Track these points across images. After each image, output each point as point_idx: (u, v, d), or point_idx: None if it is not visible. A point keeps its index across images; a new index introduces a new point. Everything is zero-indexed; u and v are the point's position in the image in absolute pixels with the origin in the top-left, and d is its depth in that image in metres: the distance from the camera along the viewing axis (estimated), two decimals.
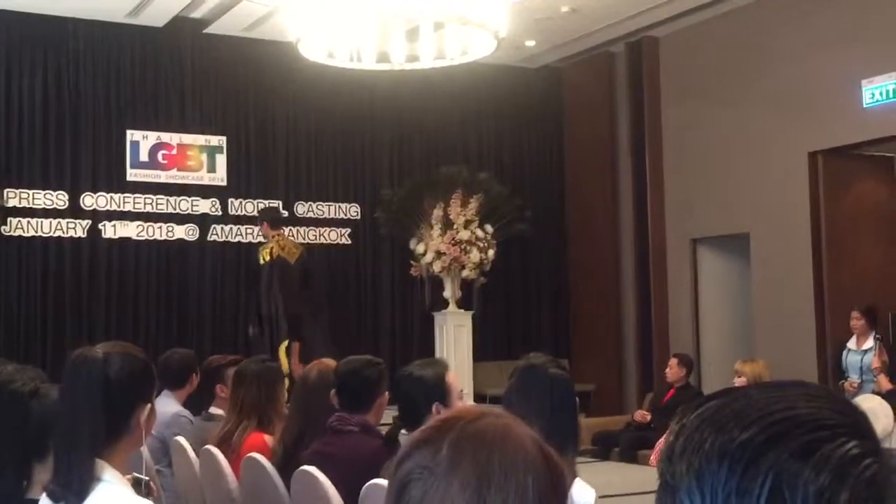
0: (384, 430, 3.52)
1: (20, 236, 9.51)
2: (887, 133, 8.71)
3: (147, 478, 2.35)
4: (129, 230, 9.90)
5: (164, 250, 10.05)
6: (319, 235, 10.73)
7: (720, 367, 9.79)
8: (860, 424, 0.81)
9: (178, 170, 10.15)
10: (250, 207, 10.27)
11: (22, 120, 9.59)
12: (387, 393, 3.61)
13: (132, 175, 9.96)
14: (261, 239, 9.65)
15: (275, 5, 8.86)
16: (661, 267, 10.76)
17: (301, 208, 10.66)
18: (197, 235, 10.17)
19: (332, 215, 10.80)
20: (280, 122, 10.58)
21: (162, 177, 10.08)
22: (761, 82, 9.70)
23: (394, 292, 10.95)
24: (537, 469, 1.05)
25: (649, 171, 10.81)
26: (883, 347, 7.86)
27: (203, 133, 10.27)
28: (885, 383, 7.61)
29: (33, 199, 9.59)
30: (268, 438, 4.08)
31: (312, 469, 3.32)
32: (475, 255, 10.04)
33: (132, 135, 9.99)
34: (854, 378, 7.93)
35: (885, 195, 9.68)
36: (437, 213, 10.14)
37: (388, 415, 3.67)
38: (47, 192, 9.63)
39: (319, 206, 10.75)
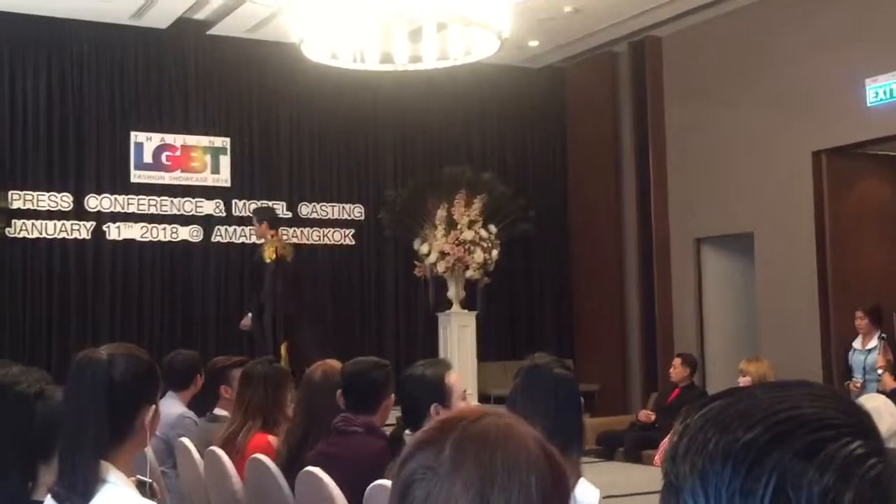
0: (389, 430, 3.53)
1: (25, 238, 9.53)
2: (891, 132, 8.70)
3: (151, 480, 2.35)
4: (134, 231, 9.92)
5: (168, 251, 10.06)
6: (323, 236, 10.74)
7: (724, 366, 9.78)
8: (864, 424, 0.81)
9: (182, 171, 10.16)
10: (254, 208, 10.28)
11: (26, 122, 9.61)
12: (393, 395, 3.61)
13: (136, 177, 9.98)
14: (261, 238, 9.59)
15: (278, 7, 8.87)
16: (664, 267, 10.75)
17: (305, 209, 10.67)
18: (201, 237, 10.18)
19: (335, 216, 10.81)
20: (284, 123, 10.59)
21: (166, 178, 10.10)
22: (765, 82, 9.69)
23: (397, 293, 10.95)
24: (540, 468, 1.05)
25: (653, 170, 10.80)
26: (887, 346, 7.85)
27: (207, 134, 10.29)
28: (889, 382, 7.58)
29: (38, 200, 9.61)
30: (272, 439, 4.08)
31: (317, 470, 3.32)
32: (479, 256, 10.03)
33: (136, 136, 10.00)
34: (857, 377, 7.93)
35: (888, 194, 9.67)
36: (441, 213, 10.14)
37: (393, 415, 3.67)
38: (52, 193, 9.65)
39: (323, 207, 10.76)
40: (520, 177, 11.46)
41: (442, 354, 9.65)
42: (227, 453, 4.07)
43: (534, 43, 10.69)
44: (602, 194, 11.32)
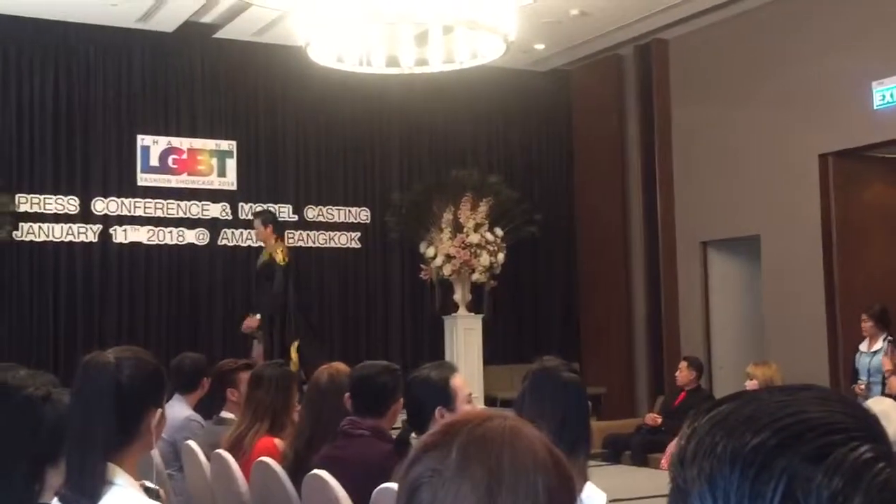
0: (395, 433, 3.52)
1: (32, 241, 9.55)
2: None
3: (157, 486, 2.35)
4: (140, 235, 9.94)
5: (174, 255, 10.08)
6: (329, 239, 10.74)
7: (731, 370, 9.77)
8: (872, 428, 0.81)
9: (189, 174, 10.18)
10: (257, 211, 10.27)
11: (33, 125, 9.63)
12: (402, 400, 3.60)
13: (143, 180, 10.00)
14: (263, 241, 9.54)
15: (284, 10, 8.88)
16: (671, 270, 10.74)
17: (311, 212, 10.68)
18: (207, 240, 10.20)
19: (341, 219, 10.82)
20: (290, 126, 10.61)
21: (172, 181, 10.11)
22: (771, 85, 9.67)
23: (404, 296, 10.96)
24: (547, 470, 1.05)
25: (659, 173, 10.79)
26: (894, 349, 7.83)
27: (213, 137, 10.31)
28: None
29: (44, 204, 9.63)
30: (278, 442, 4.08)
31: (323, 473, 3.32)
32: (485, 259, 10.03)
33: (143, 140, 10.02)
34: (863, 380, 7.92)
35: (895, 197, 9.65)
36: (447, 216, 10.15)
37: (399, 418, 3.67)
38: (58, 197, 9.67)
39: (329, 210, 10.77)
40: (526, 180, 11.46)
41: (448, 357, 9.65)
42: (234, 455, 4.07)
43: (540, 46, 10.69)
44: (608, 197, 11.31)
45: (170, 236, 10.06)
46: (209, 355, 6.31)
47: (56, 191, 9.67)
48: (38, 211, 9.60)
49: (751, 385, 6.95)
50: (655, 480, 4.87)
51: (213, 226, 10.24)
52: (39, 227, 9.59)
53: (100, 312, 9.72)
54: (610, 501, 2.58)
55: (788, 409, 0.80)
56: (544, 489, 1.03)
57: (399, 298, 10.96)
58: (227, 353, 7.45)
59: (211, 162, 10.31)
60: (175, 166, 10.13)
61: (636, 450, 8.35)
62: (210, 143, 10.30)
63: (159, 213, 10.04)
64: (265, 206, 10.12)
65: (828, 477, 0.75)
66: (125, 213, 9.90)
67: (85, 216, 9.75)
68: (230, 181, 10.34)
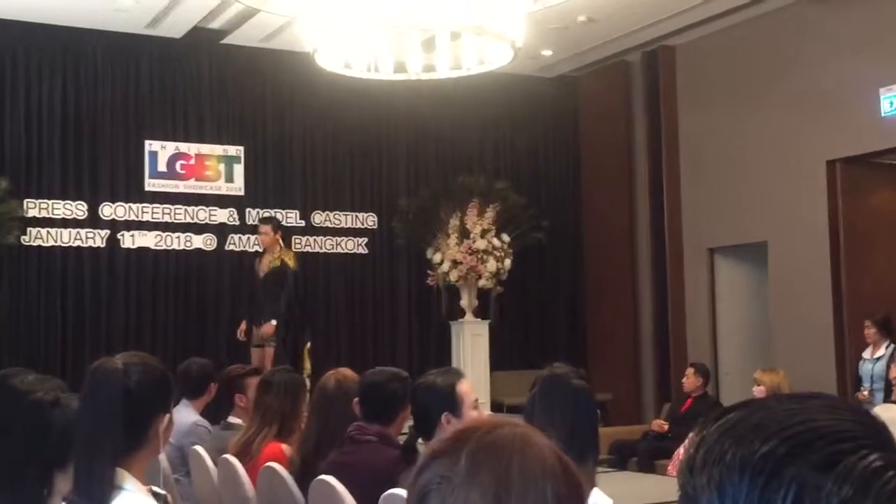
0: (402, 438, 3.52)
1: (40, 246, 9.57)
2: None
3: (164, 491, 2.36)
4: (148, 240, 9.96)
5: (182, 260, 10.09)
6: (336, 245, 10.75)
7: (738, 376, 9.75)
8: (881, 436, 0.81)
9: (196, 180, 10.20)
10: (264, 216, 10.29)
11: (41, 130, 9.66)
12: (410, 407, 3.60)
13: (150, 185, 10.02)
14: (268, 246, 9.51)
15: (292, 16, 8.90)
16: (677, 276, 10.72)
17: (318, 218, 10.69)
18: (215, 245, 10.21)
19: (348, 225, 10.82)
20: (297, 131, 10.62)
21: (180, 187, 10.13)
22: (778, 91, 9.67)
23: (410, 302, 10.96)
24: (556, 478, 1.05)
25: (666, 180, 10.79)
26: None
27: (221, 143, 10.33)
28: None
29: (52, 209, 9.65)
30: (285, 448, 4.09)
31: (330, 479, 3.32)
32: (492, 265, 10.04)
33: (150, 145, 10.05)
34: (866, 386, 7.91)
35: None
36: (454, 222, 10.15)
37: (406, 424, 3.67)
38: (66, 202, 9.69)
39: (336, 216, 10.78)
40: (532, 186, 11.46)
41: (454, 363, 9.66)
42: (241, 461, 4.08)
43: (547, 52, 10.70)
44: (615, 203, 11.30)
45: (177, 241, 10.08)
46: (216, 360, 6.32)
47: (64, 196, 9.70)
48: (46, 216, 9.62)
49: (758, 391, 6.94)
50: (662, 487, 4.86)
51: (221, 231, 10.26)
52: (47, 232, 9.62)
53: (107, 317, 9.73)
54: None
55: (797, 418, 0.80)
56: (553, 497, 1.03)
57: (406, 304, 10.96)
58: (234, 359, 7.45)
59: (218, 167, 10.32)
60: (183, 172, 10.16)
61: (643, 456, 8.34)
62: (218, 149, 10.32)
63: (167, 219, 10.06)
64: (272, 213, 10.14)
65: (837, 485, 0.76)
66: (133, 218, 9.93)
67: (93, 221, 9.77)
68: (238, 187, 10.36)
